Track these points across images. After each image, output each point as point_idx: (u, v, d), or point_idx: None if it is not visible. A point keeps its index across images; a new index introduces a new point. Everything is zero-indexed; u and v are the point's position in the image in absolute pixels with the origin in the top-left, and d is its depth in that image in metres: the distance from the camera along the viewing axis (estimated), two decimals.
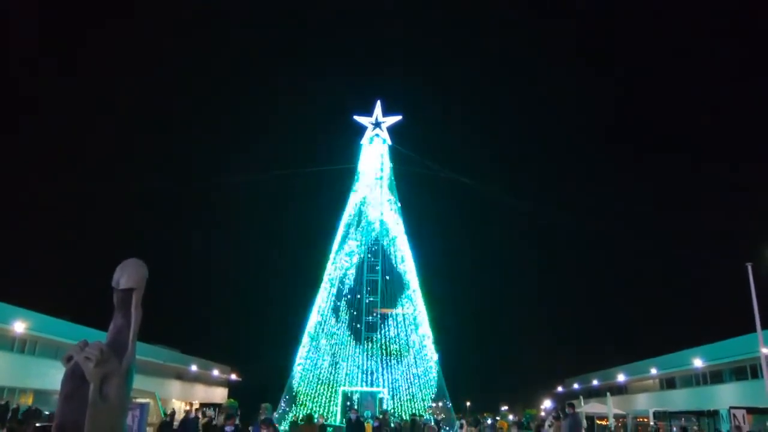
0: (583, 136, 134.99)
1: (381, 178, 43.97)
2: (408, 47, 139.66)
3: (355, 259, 41.60)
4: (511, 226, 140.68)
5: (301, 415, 32.99)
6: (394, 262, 41.50)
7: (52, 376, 30.61)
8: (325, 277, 41.60)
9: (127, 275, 6.00)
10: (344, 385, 37.85)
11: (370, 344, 39.18)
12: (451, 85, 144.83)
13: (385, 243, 41.97)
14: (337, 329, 39.76)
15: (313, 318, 40.66)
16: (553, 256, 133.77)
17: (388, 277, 40.88)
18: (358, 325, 39.64)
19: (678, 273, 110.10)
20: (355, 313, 39.88)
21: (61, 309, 42.53)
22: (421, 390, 38.25)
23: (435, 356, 40.52)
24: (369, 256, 41.69)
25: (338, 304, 40.27)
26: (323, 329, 39.89)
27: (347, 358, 38.70)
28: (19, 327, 33.59)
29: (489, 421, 32.51)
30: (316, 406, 36.98)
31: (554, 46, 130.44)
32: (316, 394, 37.98)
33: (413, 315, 40.53)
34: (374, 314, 40.13)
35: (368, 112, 45.63)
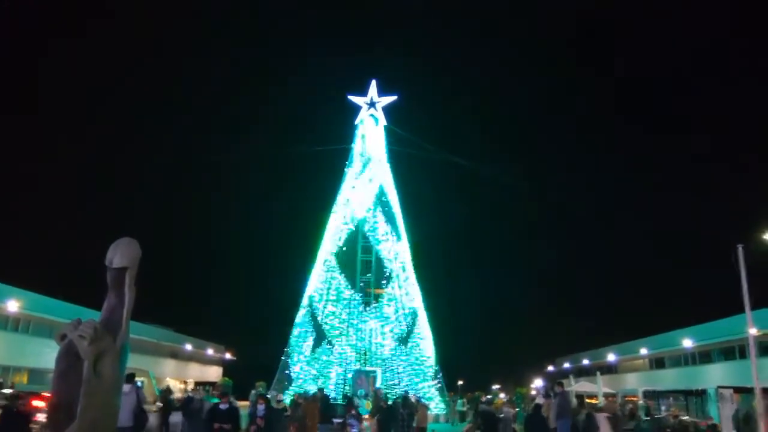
0: (582, 117, 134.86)
1: (367, 164, 43.87)
2: (404, 26, 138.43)
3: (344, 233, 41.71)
4: (505, 206, 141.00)
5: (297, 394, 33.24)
6: (388, 242, 41.62)
7: (46, 355, 30.73)
8: (320, 257, 41.76)
9: (120, 254, 5.99)
10: (338, 364, 38.17)
11: (363, 323, 39.40)
12: (448, 66, 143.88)
13: (379, 224, 42.01)
14: (332, 310, 39.96)
15: (307, 297, 40.90)
16: (546, 237, 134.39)
17: (383, 256, 41.03)
18: (354, 300, 39.81)
19: (669, 254, 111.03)
20: (350, 293, 40.09)
21: (55, 288, 42.57)
22: (414, 368, 38.63)
23: (428, 335, 40.89)
24: (364, 236, 41.80)
25: (332, 284, 40.44)
26: (317, 308, 40.12)
27: (341, 337, 38.93)
28: (13, 306, 33.60)
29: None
30: (310, 385, 37.32)
31: (554, 28, 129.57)
32: (310, 373, 38.29)
33: (407, 295, 40.76)
34: (368, 294, 40.41)
35: (363, 92, 45.42)
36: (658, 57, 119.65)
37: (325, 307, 39.75)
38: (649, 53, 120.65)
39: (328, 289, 40.23)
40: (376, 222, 41.76)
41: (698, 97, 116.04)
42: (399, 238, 42.12)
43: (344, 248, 41.18)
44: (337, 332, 38.84)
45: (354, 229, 41.71)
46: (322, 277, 40.79)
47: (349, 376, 37.48)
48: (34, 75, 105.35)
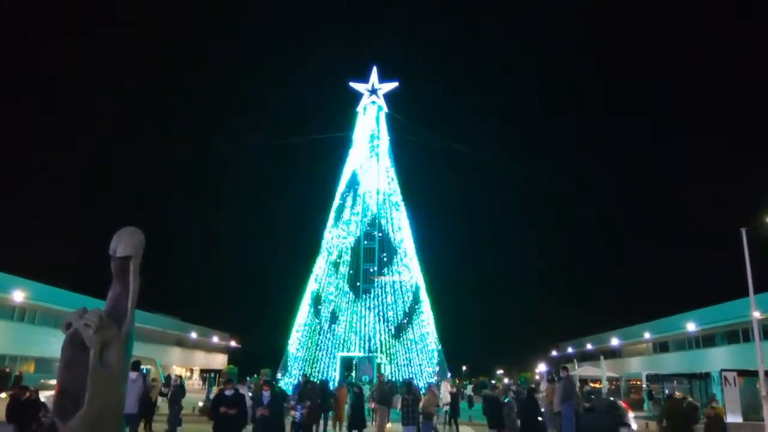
0: (581, 103, 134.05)
1: (376, 146, 43.72)
2: (405, 14, 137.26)
3: (353, 227, 41.72)
4: (507, 192, 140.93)
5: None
6: (390, 229, 41.61)
7: (52, 344, 30.97)
8: (323, 245, 41.81)
9: (124, 243, 5.97)
10: (342, 351, 38.36)
11: (367, 310, 39.54)
12: (448, 52, 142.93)
13: (381, 211, 41.99)
14: (335, 296, 40.10)
15: (311, 285, 41.01)
16: (549, 224, 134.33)
17: (386, 239, 41.08)
18: (357, 285, 39.93)
19: (673, 238, 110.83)
20: (352, 281, 40.18)
21: (60, 278, 42.74)
22: (418, 355, 38.83)
23: (432, 321, 41.03)
24: (366, 223, 41.78)
25: (336, 272, 40.53)
26: (321, 296, 40.26)
27: (345, 324, 39.10)
28: (19, 296, 33.75)
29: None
30: (315, 372, 37.54)
31: (554, 20, 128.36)
32: (315, 360, 38.51)
33: (410, 282, 40.84)
34: (371, 281, 40.51)
35: (363, 79, 45.18)
36: (656, 33, 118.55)
37: (328, 295, 39.90)
38: (646, 30, 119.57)
39: (332, 276, 40.36)
40: (379, 208, 41.75)
41: (697, 89, 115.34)
42: (398, 228, 42.10)
43: (348, 236, 41.24)
44: (342, 319, 39.02)
45: (357, 216, 41.70)
46: (326, 264, 40.86)
47: (354, 362, 37.70)
48: (34, 73, 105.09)
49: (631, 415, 19.41)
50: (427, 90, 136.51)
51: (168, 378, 29.49)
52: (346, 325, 38.97)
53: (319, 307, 40.08)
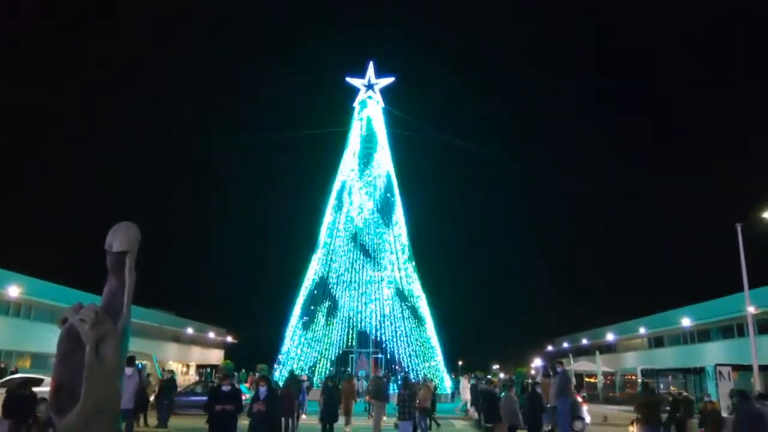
0: (581, 102, 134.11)
1: (374, 142, 43.59)
2: (404, 7, 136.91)
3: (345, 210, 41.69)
4: (504, 187, 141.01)
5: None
6: (388, 224, 41.57)
7: (48, 340, 30.86)
8: (320, 241, 41.75)
9: (120, 238, 5.96)
10: (339, 346, 38.39)
11: (364, 305, 39.54)
12: (447, 46, 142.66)
13: (378, 206, 41.93)
14: (333, 290, 40.07)
15: (308, 281, 40.95)
16: (546, 219, 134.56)
17: (384, 236, 41.05)
18: (354, 284, 39.95)
19: (668, 234, 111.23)
20: (349, 276, 40.17)
21: (56, 273, 42.65)
22: (414, 350, 38.84)
23: (428, 317, 41.05)
24: (363, 219, 41.74)
25: (332, 267, 40.50)
26: (318, 291, 40.22)
27: (342, 318, 39.10)
28: (14, 291, 33.63)
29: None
30: (310, 367, 37.57)
31: (553, 12, 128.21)
32: (311, 355, 38.50)
33: (407, 277, 40.83)
34: (368, 276, 40.51)
35: (361, 74, 44.99)
36: (655, 30, 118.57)
37: (325, 289, 39.91)
38: (646, 25, 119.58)
39: (329, 271, 40.35)
40: (376, 203, 41.71)
41: (696, 86, 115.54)
42: (395, 223, 42.03)
43: (343, 234, 41.22)
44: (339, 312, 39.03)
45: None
46: (324, 261, 40.82)
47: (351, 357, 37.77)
48: (34, 72, 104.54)
49: (585, 408, 19.80)
50: (426, 85, 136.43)
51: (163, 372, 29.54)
52: (343, 320, 38.95)
53: (317, 298, 40.01)
